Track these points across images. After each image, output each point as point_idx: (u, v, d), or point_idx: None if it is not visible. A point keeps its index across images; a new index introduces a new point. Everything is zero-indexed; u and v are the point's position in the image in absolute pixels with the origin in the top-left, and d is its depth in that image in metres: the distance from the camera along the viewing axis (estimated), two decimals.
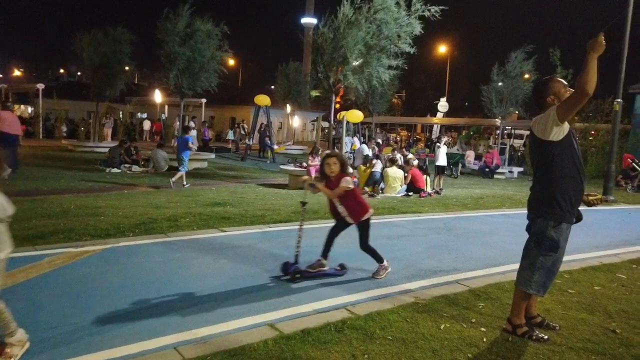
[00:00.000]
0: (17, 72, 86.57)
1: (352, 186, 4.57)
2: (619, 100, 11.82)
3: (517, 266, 5.42)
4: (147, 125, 31.85)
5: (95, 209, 7.46)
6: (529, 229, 3.47)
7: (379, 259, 4.73)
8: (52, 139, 24.92)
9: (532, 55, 19.36)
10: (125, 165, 14.05)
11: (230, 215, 7.40)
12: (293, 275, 4.46)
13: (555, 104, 3.14)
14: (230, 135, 28.29)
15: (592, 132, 19.50)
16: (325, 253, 4.77)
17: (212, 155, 18.29)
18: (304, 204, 4.75)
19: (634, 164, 15.29)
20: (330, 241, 4.80)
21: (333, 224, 4.83)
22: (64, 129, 28.05)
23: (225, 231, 6.39)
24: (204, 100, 26.02)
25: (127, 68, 21.81)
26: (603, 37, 2.93)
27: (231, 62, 48.11)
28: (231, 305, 3.84)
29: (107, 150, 15.31)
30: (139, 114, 41.79)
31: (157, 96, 23.97)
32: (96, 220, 6.52)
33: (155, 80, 22.71)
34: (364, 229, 4.66)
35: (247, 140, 22.32)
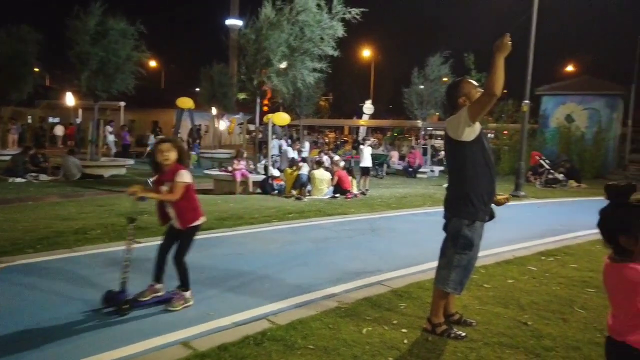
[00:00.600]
0: None
1: (188, 180, 3.83)
2: (527, 101, 12.65)
3: (436, 263, 5.57)
4: (59, 130, 29.66)
5: None
6: (445, 228, 3.52)
7: (185, 283, 3.91)
8: None
9: (449, 60, 20.36)
10: (32, 174, 12.90)
11: (146, 225, 6.95)
12: (120, 306, 3.64)
13: (467, 104, 3.18)
14: (152, 140, 27.08)
15: (505, 132, 20.80)
16: (157, 276, 3.98)
17: (132, 162, 17.32)
18: (132, 220, 3.89)
19: (541, 161, 16.47)
20: (162, 259, 4.00)
21: (162, 238, 4.10)
22: None
23: (140, 243, 5.97)
24: (122, 103, 24.66)
25: (36, 70, 20.16)
26: (509, 38, 2.98)
27: (153, 63, 46.21)
28: (141, 322, 3.55)
29: (9, 158, 13.97)
30: (50, 118, 38.84)
31: (69, 99, 22.34)
32: None
33: (67, 83, 21.20)
34: (188, 237, 3.92)
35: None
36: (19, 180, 12.34)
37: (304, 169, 11.66)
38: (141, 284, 4.08)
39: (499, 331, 3.51)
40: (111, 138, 21.90)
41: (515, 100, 18.24)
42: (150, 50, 15.50)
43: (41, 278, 4.47)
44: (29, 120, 32.08)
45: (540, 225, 8.13)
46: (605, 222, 1.82)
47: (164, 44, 59.33)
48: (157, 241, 5.98)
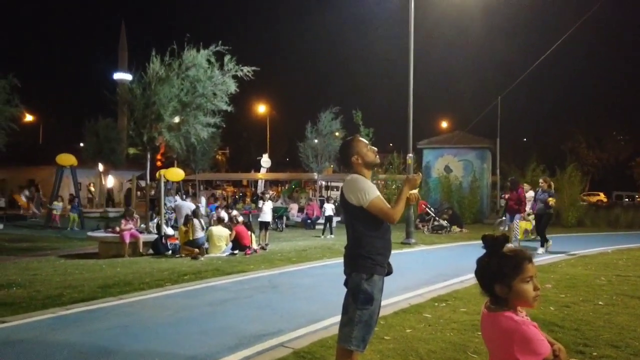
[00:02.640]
0: None
1: None
2: (411, 155, 13.66)
3: (338, 318, 5.52)
4: None
5: None
6: (346, 283, 3.51)
7: None
8: None
9: (339, 116, 21.52)
10: None
11: (15, 300, 6.09)
12: None
13: (359, 162, 3.28)
14: (23, 197, 24.41)
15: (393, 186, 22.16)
16: None
17: (0, 226, 15.35)
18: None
19: (427, 209, 17.68)
20: None
21: None
22: None
23: (5, 322, 5.17)
24: None
25: None
26: (420, 178, 3.30)
27: (29, 117, 42.53)
28: None
29: None
30: None
31: None
32: None
33: None
34: None
35: (57, 204, 19.31)
36: None
37: (198, 232, 11.00)
38: None
39: None
40: None
41: (400, 153, 19.64)
42: (27, 104, 14.29)
43: None
44: None
45: (431, 271, 8.57)
46: (482, 270, 1.88)
47: (43, 97, 55.22)
48: (29, 319, 5.24)
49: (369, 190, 3.12)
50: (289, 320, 5.30)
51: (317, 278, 8.08)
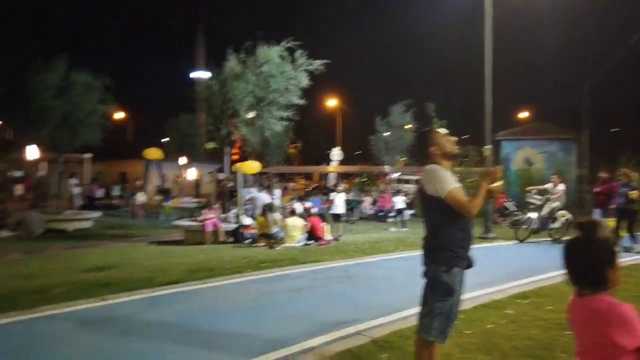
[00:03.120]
0: None
1: None
2: (489, 146, 13.12)
3: (415, 310, 5.48)
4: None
5: None
6: (425, 274, 3.49)
7: None
8: None
9: (410, 108, 21.10)
10: None
11: (113, 281, 6.65)
12: None
13: (438, 153, 3.29)
14: (116, 191, 26.51)
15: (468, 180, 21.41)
16: None
17: (98, 214, 16.79)
18: None
19: (505, 203, 16.91)
20: None
21: None
22: None
23: (106, 300, 5.68)
24: (87, 155, 24.18)
25: None
26: (499, 171, 3.28)
27: (119, 115, 45.94)
28: None
29: None
30: (13, 171, 37.55)
31: (32, 153, 21.75)
32: None
33: (30, 136, 20.74)
34: None
35: (139, 197, 20.83)
36: None
37: (273, 227, 11.25)
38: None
39: None
40: (76, 191, 21.27)
41: (477, 146, 18.90)
42: (117, 102, 15.44)
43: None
44: None
45: (511, 267, 8.21)
46: (581, 256, 1.87)
47: (132, 96, 59.42)
48: (126, 298, 5.73)
49: (447, 181, 3.10)
50: (365, 310, 5.34)
51: (391, 270, 8.05)
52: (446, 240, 3.22)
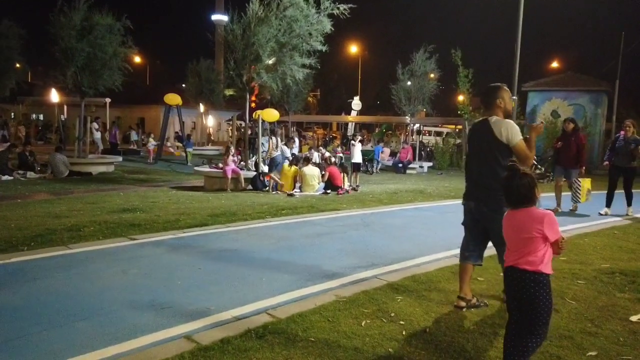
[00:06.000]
0: None
1: None
2: (514, 97, 12.86)
3: (429, 257, 5.65)
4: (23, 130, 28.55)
5: None
6: (474, 219, 3.87)
7: None
8: None
9: (434, 54, 20.37)
10: (19, 172, 12.73)
11: (140, 222, 6.95)
12: None
13: (501, 106, 3.81)
14: (134, 136, 26.86)
15: None
16: None
17: (120, 159, 17.17)
18: None
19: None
20: None
21: None
22: None
23: (135, 239, 5.98)
24: (108, 100, 24.41)
25: (17, 65, 19.82)
26: (542, 126, 3.89)
27: (138, 59, 45.71)
28: (142, 319, 3.56)
29: None
30: (34, 115, 38.22)
31: (54, 96, 22.02)
32: None
33: (51, 79, 20.97)
34: None
35: (151, 141, 21.10)
36: (5, 178, 12.18)
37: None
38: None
39: (494, 322, 3.61)
40: (98, 135, 21.65)
41: None
42: (136, 46, 15.34)
43: (38, 274, 4.46)
44: (12, 117, 31.56)
45: None
46: (519, 186, 2.70)
47: (149, 40, 58.75)
48: (151, 238, 6.02)
49: (518, 133, 3.66)
50: (381, 256, 5.53)
51: (408, 219, 8.20)
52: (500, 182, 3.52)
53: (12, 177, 12.32)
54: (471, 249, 3.97)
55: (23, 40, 17.91)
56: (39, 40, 18.30)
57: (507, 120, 3.76)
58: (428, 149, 25.15)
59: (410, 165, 19.30)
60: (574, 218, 8.32)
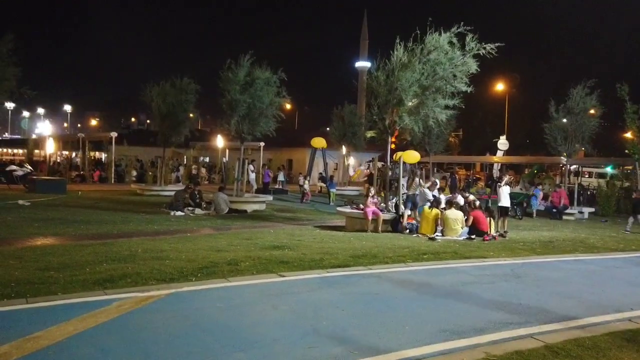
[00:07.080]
0: (93, 122, 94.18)
1: None
2: None
3: (598, 319, 5.00)
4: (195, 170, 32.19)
5: (160, 252, 7.71)
6: None
7: None
8: (122, 183, 26.44)
9: (595, 90, 18.44)
10: (189, 208, 14.57)
11: (288, 259, 7.40)
12: None
13: None
14: (281, 177, 28.65)
15: None
16: None
17: (270, 197, 18.61)
18: None
19: None
20: None
21: None
22: (134, 173, 29.68)
23: (284, 276, 6.37)
24: (262, 144, 26.86)
25: (191, 115, 23.01)
26: None
27: (288, 106, 49.84)
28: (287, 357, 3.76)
29: (172, 194, 15.99)
30: (201, 158, 43.67)
31: (219, 141, 25.01)
32: (161, 264, 6.72)
33: (217, 126, 23.91)
34: None
35: (303, 183, 22.43)
36: (179, 213, 14.03)
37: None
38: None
39: None
40: (252, 176, 23.80)
41: None
42: (288, 95, 16.79)
43: (203, 304, 5.01)
44: (185, 161, 36.47)
45: None
46: None
47: (298, 87, 63.74)
48: (298, 276, 6.35)
49: None
50: (536, 313, 5.05)
51: (567, 273, 7.37)
52: None
53: (183, 213, 14.15)
54: None
55: (199, 94, 20.86)
56: (208, 93, 21.14)
57: None
58: (589, 192, 22.52)
59: (567, 211, 17.41)
60: None
